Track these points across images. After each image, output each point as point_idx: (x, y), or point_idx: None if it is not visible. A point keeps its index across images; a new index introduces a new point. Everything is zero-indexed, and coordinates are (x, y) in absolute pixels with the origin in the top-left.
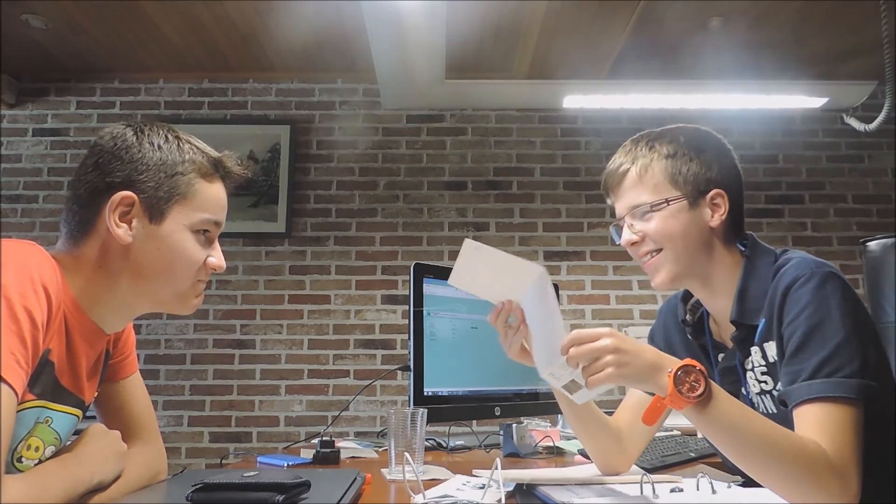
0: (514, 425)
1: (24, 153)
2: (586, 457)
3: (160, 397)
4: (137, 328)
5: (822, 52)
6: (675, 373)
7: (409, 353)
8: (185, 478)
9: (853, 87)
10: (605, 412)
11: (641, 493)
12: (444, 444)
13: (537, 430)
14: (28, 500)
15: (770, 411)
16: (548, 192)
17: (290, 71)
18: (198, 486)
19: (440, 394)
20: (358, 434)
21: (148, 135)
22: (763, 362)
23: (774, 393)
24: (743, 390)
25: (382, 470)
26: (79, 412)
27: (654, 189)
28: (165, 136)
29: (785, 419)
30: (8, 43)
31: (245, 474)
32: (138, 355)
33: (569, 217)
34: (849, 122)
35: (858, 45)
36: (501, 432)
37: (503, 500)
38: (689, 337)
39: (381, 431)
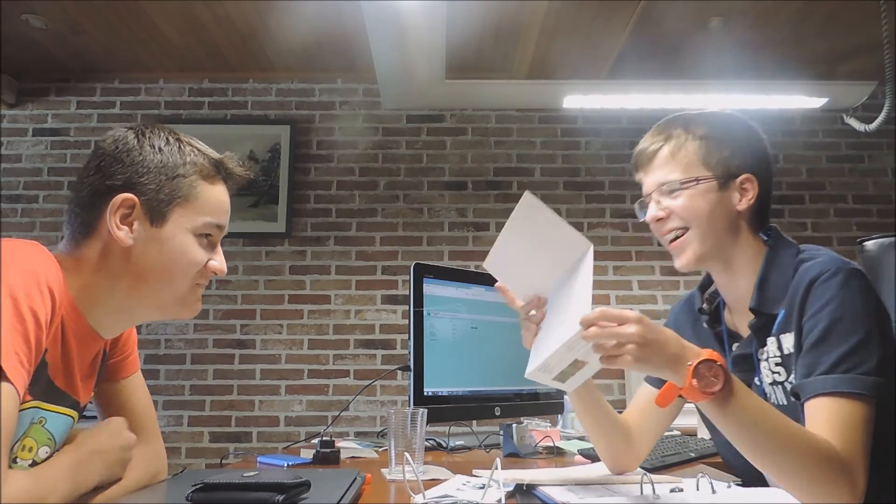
0: (514, 425)
1: (24, 153)
2: (586, 457)
3: (160, 397)
4: (138, 328)
5: (822, 52)
6: (696, 367)
7: (409, 353)
8: (185, 478)
9: (853, 87)
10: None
11: (641, 492)
12: (444, 444)
13: (537, 430)
14: (32, 496)
15: (780, 402)
16: (548, 192)
17: (290, 71)
18: (198, 486)
19: (440, 394)
20: (358, 434)
21: (149, 137)
22: (778, 353)
23: (786, 385)
24: (756, 380)
25: (382, 470)
26: (74, 413)
27: (685, 168)
28: (167, 138)
29: (795, 411)
30: (8, 43)
31: (245, 474)
32: (138, 355)
33: (569, 217)
34: (849, 122)
35: (858, 45)
36: (501, 432)
37: (503, 500)
38: (705, 325)
39: (381, 431)
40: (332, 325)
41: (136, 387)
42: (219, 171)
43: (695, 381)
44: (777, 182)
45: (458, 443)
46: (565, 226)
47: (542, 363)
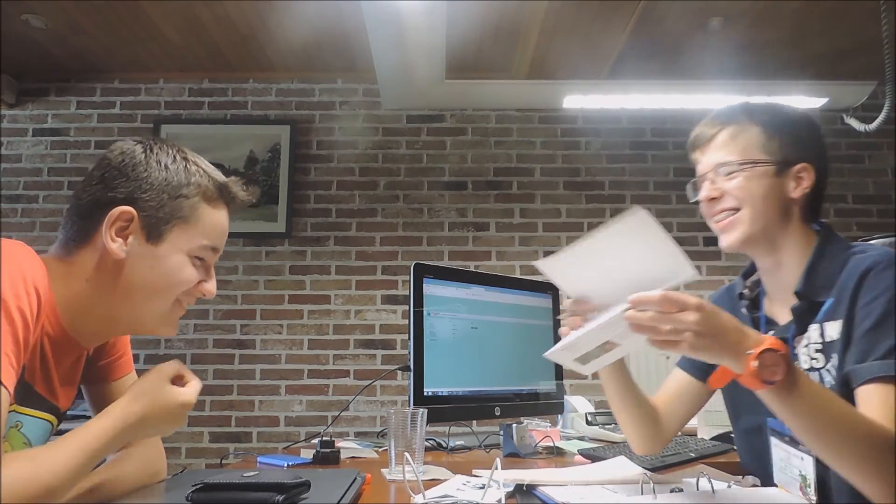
0: (514, 425)
1: (24, 153)
2: (586, 457)
3: None
4: None
5: (822, 52)
6: (757, 356)
7: (409, 353)
8: (185, 478)
9: (853, 87)
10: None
11: (641, 492)
12: (444, 444)
13: (537, 430)
14: (33, 480)
15: None
16: (548, 192)
17: (290, 71)
18: (198, 486)
19: (440, 394)
20: (358, 434)
21: (156, 153)
22: (819, 340)
23: (824, 371)
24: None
25: (382, 470)
26: (52, 418)
27: (743, 151)
28: (174, 156)
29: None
30: (8, 43)
31: (245, 474)
32: (138, 355)
33: (569, 217)
34: (849, 122)
35: (858, 45)
36: (501, 432)
37: (503, 500)
38: (744, 311)
39: (381, 431)
40: (332, 325)
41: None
42: (222, 194)
43: (755, 370)
44: None
45: (458, 443)
46: (674, 248)
47: (571, 341)
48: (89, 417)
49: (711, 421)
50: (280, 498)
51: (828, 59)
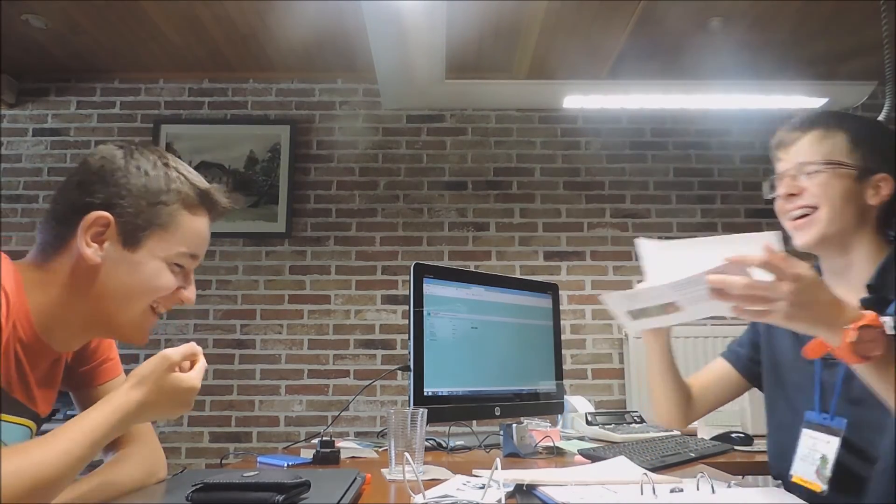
0: (514, 425)
1: (24, 153)
2: (586, 457)
3: None
4: None
5: (822, 52)
6: (855, 330)
7: (409, 353)
8: (185, 478)
9: (853, 87)
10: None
11: (641, 493)
12: (444, 444)
13: (537, 430)
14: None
15: None
16: (548, 192)
17: (290, 71)
18: (198, 486)
19: (440, 394)
20: (358, 434)
21: (137, 159)
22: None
23: None
24: None
25: (382, 470)
26: (31, 423)
27: (827, 153)
28: (155, 161)
29: None
30: (8, 43)
31: (245, 474)
32: (137, 355)
33: (569, 217)
34: None
35: (858, 45)
36: (501, 432)
37: (503, 500)
38: None
39: (381, 431)
40: (332, 325)
41: None
42: (203, 201)
43: (852, 345)
44: None
45: (458, 443)
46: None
47: (638, 290)
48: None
49: (711, 421)
50: (280, 498)
51: (828, 60)
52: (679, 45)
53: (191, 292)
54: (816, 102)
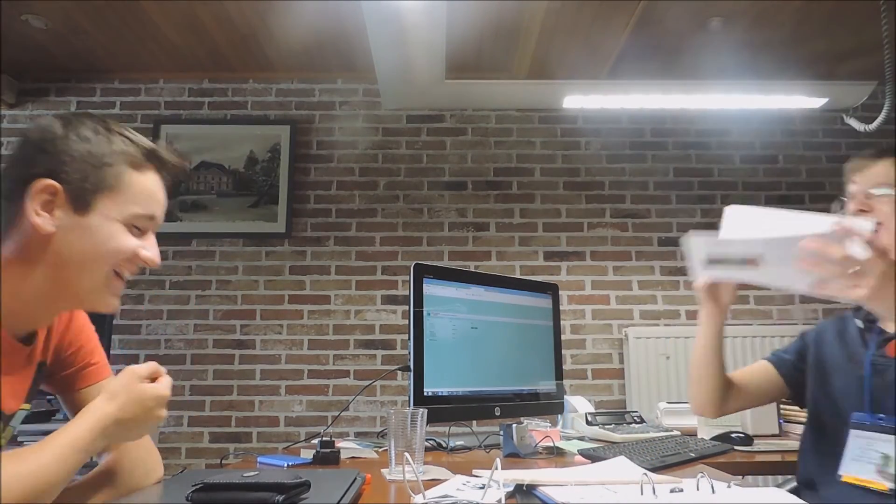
0: (514, 425)
1: None
2: (586, 457)
3: None
4: (137, 328)
5: (822, 52)
6: None
7: (409, 353)
8: (185, 478)
9: (853, 87)
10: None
11: (641, 493)
12: (444, 445)
13: (537, 430)
14: (27, 484)
15: None
16: (548, 192)
17: (290, 71)
18: (198, 486)
19: (440, 394)
20: (358, 434)
21: (76, 126)
22: None
23: None
24: None
25: (382, 470)
26: None
27: None
28: (95, 127)
29: None
30: (8, 43)
31: (245, 474)
32: (137, 356)
33: (569, 217)
34: (849, 122)
35: (858, 45)
36: (501, 432)
37: (503, 501)
38: (858, 324)
39: (381, 432)
40: (332, 325)
41: None
42: (150, 159)
43: None
44: (777, 182)
45: (458, 443)
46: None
47: (726, 236)
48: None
49: (711, 421)
50: (280, 498)
51: (828, 59)
52: (679, 45)
53: (152, 253)
54: (816, 102)
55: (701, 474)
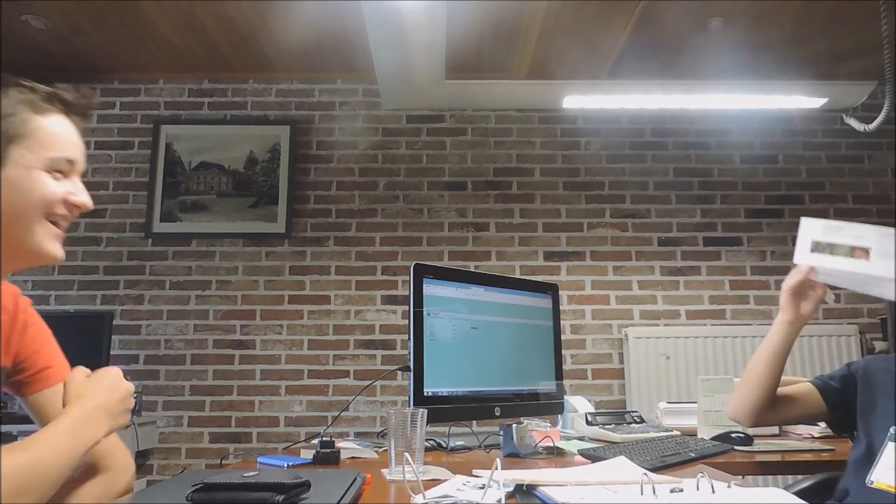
0: (514, 425)
1: None
2: (586, 457)
3: (160, 397)
4: (137, 328)
5: (822, 52)
6: None
7: (409, 353)
8: (185, 478)
9: (853, 87)
10: None
11: (641, 493)
12: (444, 445)
13: (537, 430)
14: (31, 469)
15: None
16: (548, 192)
17: (290, 71)
18: (198, 486)
19: (440, 394)
20: (358, 434)
21: None
22: None
23: None
24: None
25: (382, 470)
26: None
27: None
28: None
29: None
30: (8, 43)
31: (245, 474)
32: (137, 356)
33: (569, 217)
34: (849, 122)
35: (858, 45)
36: (501, 432)
37: (503, 501)
38: None
39: (381, 432)
40: (332, 325)
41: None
42: (51, 102)
43: None
44: (777, 182)
45: (458, 443)
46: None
47: (841, 224)
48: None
49: (711, 421)
50: (280, 498)
51: (828, 59)
52: (679, 45)
53: (84, 197)
54: (816, 102)
55: (701, 474)
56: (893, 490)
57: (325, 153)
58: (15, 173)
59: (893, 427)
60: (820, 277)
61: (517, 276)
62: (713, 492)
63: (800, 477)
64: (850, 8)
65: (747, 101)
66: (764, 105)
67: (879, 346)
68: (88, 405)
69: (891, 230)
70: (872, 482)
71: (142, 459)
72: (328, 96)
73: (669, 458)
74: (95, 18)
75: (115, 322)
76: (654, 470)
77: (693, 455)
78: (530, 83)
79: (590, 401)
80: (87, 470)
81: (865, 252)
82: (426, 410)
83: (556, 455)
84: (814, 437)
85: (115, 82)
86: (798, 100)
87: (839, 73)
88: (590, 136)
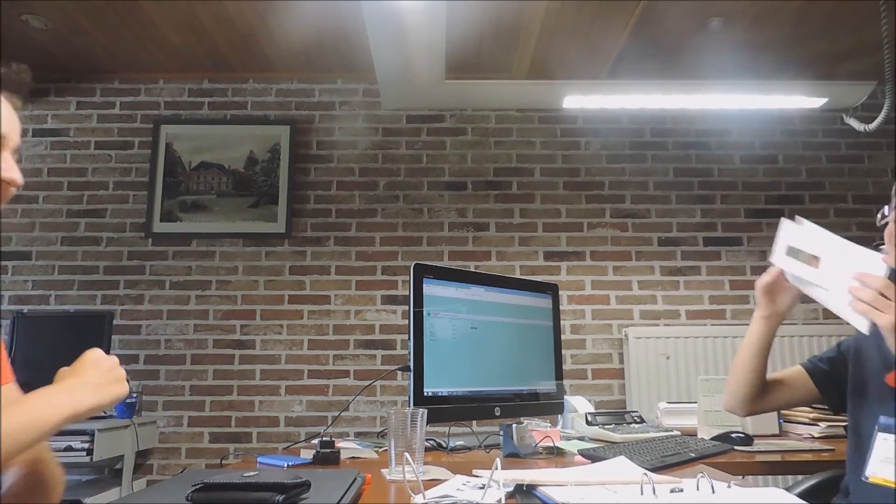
0: (514, 425)
1: (23, 153)
2: (586, 457)
3: (160, 397)
4: (137, 328)
5: (822, 52)
6: None
7: (409, 353)
8: (185, 478)
9: (853, 87)
10: None
11: (641, 493)
12: (444, 445)
13: (537, 430)
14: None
15: None
16: (548, 192)
17: (290, 71)
18: (198, 486)
19: (440, 394)
20: (358, 434)
21: None
22: None
23: None
24: None
25: (382, 470)
26: None
27: None
28: None
29: None
30: (8, 43)
31: (245, 474)
32: (137, 356)
33: (569, 217)
34: (849, 122)
35: (858, 45)
36: (501, 432)
37: (503, 501)
38: None
39: (381, 432)
40: (332, 325)
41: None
42: None
43: None
44: (777, 182)
45: (458, 443)
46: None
47: (814, 230)
48: None
49: (711, 421)
50: (280, 498)
51: (828, 59)
52: (679, 45)
53: (13, 173)
54: (816, 102)
55: (701, 474)
56: (892, 485)
57: (325, 153)
58: None
59: (883, 417)
60: (790, 279)
61: (517, 276)
62: (713, 492)
63: (800, 477)
64: (850, 8)
65: (747, 101)
66: (764, 105)
67: None
68: (68, 381)
69: (845, 243)
70: (868, 477)
71: (142, 459)
72: (328, 96)
73: (669, 458)
74: (95, 18)
75: (115, 322)
76: (654, 470)
77: (693, 455)
78: (530, 83)
79: (590, 401)
80: (26, 479)
81: (818, 261)
82: (426, 410)
83: (556, 455)
84: (814, 437)
85: (115, 82)
86: (798, 100)
87: (839, 73)
88: (590, 136)
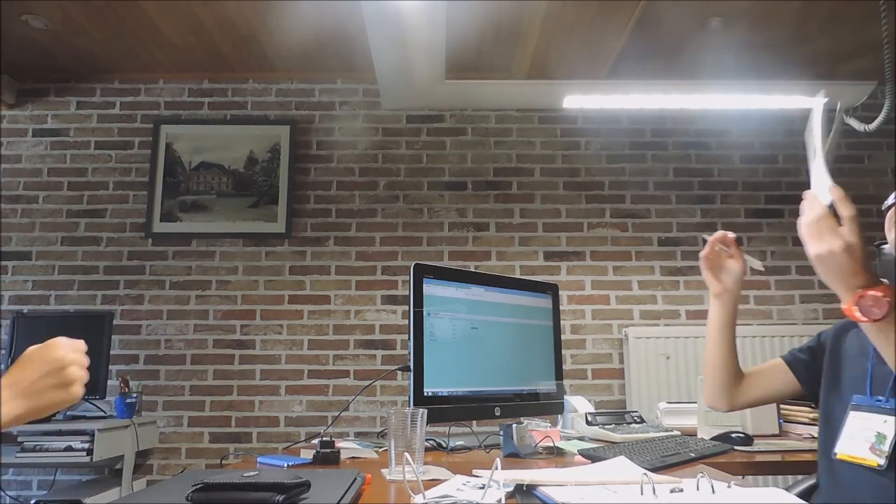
0: (514, 425)
1: (24, 153)
2: (586, 457)
3: (160, 397)
4: (137, 328)
5: (822, 52)
6: (860, 297)
7: (409, 353)
8: (185, 478)
9: (853, 87)
10: None
11: (641, 493)
12: (444, 445)
13: (537, 430)
14: None
15: None
16: (548, 192)
17: (290, 71)
18: (198, 486)
19: (440, 394)
20: (358, 434)
21: None
22: None
23: None
24: None
25: (382, 470)
26: None
27: None
28: None
29: None
30: (8, 43)
31: (245, 474)
32: (137, 356)
33: (569, 217)
34: (849, 122)
35: (858, 45)
36: (501, 432)
37: (503, 501)
38: None
39: (381, 432)
40: (332, 325)
41: None
42: None
43: (855, 308)
44: (777, 182)
45: (458, 443)
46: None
47: (815, 129)
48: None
49: (711, 421)
50: (280, 498)
51: (828, 60)
52: (679, 45)
53: None
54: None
55: (701, 474)
56: (872, 464)
57: (325, 153)
58: None
59: (857, 396)
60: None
61: (517, 276)
62: (713, 492)
63: (800, 477)
64: (850, 8)
65: (747, 101)
66: (764, 105)
67: None
68: (8, 381)
69: (818, 155)
70: (836, 454)
71: (142, 459)
72: (328, 96)
73: (669, 458)
74: (95, 18)
75: (115, 322)
76: (654, 470)
77: (693, 455)
78: (530, 83)
79: (590, 401)
80: None
81: (815, 153)
82: (426, 410)
83: (556, 455)
84: (814, 437)
85: (115, 82)
86: (798, 100)
87: (839, 72)
88: (590, 137)
